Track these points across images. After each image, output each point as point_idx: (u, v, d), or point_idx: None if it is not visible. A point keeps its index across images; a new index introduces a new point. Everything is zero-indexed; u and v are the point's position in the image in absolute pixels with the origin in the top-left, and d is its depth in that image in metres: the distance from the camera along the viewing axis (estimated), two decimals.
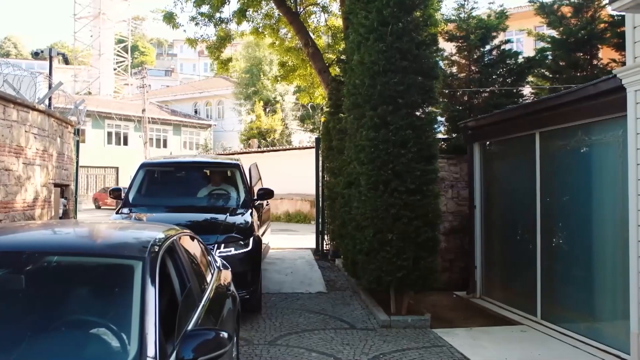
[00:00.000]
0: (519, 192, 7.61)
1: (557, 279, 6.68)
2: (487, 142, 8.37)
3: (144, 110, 29.22)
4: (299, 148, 22.79)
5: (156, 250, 2.88)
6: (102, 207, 31.89)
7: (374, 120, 6.75)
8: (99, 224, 3.60)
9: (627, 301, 5.34)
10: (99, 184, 36.41)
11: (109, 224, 3.75)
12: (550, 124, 6.64)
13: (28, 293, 2.56)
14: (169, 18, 11.63)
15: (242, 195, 7.92)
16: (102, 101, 39.12)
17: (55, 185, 8.55)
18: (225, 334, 2.52)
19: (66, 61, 13.90)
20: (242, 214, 7.34)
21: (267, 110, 35.43)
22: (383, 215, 6.67)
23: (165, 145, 39.89)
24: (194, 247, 3.80)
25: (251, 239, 6.74)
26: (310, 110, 34.36)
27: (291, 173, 18.02)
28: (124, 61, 56.23)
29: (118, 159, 36.08)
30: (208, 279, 3.78)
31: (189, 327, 2.80)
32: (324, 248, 11.25)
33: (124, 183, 36.99)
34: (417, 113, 6.94)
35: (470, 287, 8.61)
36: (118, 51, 53.77)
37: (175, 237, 3.37)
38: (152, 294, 2.53)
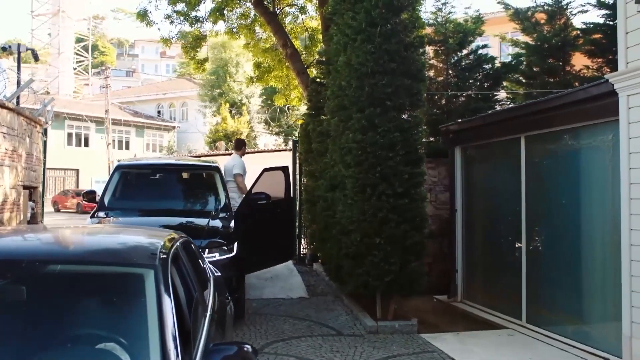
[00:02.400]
0: (503, 196, 7.62)
1: (543, 283, 6.70)
2: (469, 146, 8.37)
3: (107, 111, 28.43)
4: (272, 150, 22.51)
5: (165, 257, 2.69)
6: (61, 210, 30.90)
7: (361, 123, 6.63)
8: (94, 229, 3.35)
9: (617, 304, 5.37)
10: (59, 186, 35.28)
11: (102, 228, 3.49)
12: (537, 127, 6.66)
13: (31, 306, 2.31)
14: (143, 15, 11.27)
15: (222, 199, 7.69)
16: (62, 101, 37.90)
17: (24, 187, 8.12)
18: (249, 347, 2.34)
19: (36, 57, 13.30)
20: (224, 218, 7.12)
21: (233, 112, 35.03)
22: (370, 219, 6.55)
23: (127, 147, 38.98)
24: (192, 252, 3.60)
25: (235, 244, 6.53)
26: (279, 113, 34.14)
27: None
28: (83, 61, 54.74)
29: (78, 160, 35.06)
30: (209, 286, 3.58)
31: (202, 340, 2.61)
32: (301, 252, 11.08)
33: (84, 185, 36.09)
34: (404, 116, 6.87)
35: (451, 291, 8.59)
36: (78, 50, 52.31)
37: (178, 243, 3.17)
38: (168, 305, 2.33)
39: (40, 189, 9.34)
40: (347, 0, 7.18)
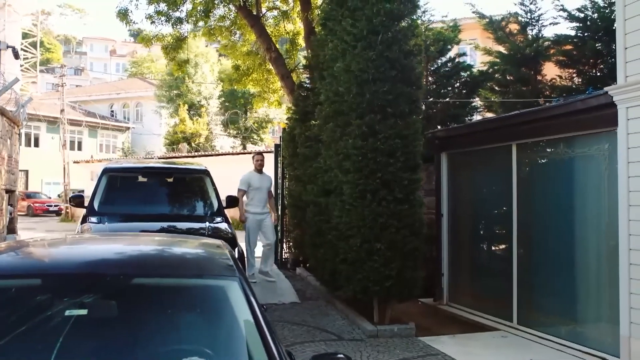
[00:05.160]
0: (492, 202, 7.85)
1: (535, 286, 6.94)
2: (456, 152, 8.57)
3: (62, 111, 27.45)
4: (241, 153, 22.25)
5: (239, 267, 2.66)
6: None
7: (361, 129, 6.69)
8: (148, 240, 3.25)
9: (613, 306, 5.64)
10: None
11: (156, 239, 3.36)
12: (530, 136, 6.90)
13: (122, 320, 2.24)
14: (124, 15, 10.98)
15: (215, 203, 7.62)
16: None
17: (6, 191, 7.76)
18: (343, 356, 2.34)
19: (16, 55, 12.70)
20: (221, 222, 7.05)
21: (191, 113, 34.52)
22: (371, 225, 6.62)
23: (80, 148, 37.77)
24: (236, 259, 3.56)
25: (237, 249, 6.48)
26: (238, 115, 33.90)
27: (232, 178, 17.53)
28: (28, 58, 52.61)
29: (28, 161, 33.57)
30: None
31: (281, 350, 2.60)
32: (284, 257, 11.04)
33: (34, 187, 34.74)
34: (401, 122, 6.97)
35: (437, 294, 8.76)
36: (25, 46, 50.27)
37: (228, 251, 3.14)
38: (263, 316, 2.32)
39: (17, 192, 8.95)
40: (345, 7, 7.24)
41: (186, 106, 33.31)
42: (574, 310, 6.37)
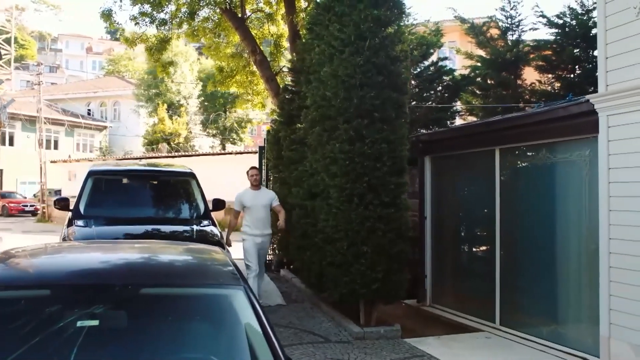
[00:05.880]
0: (476, 205, 7.99)
1: (517, 288, 7.09)
2: (440, 156, 8.70)
3: (39, 110, 26.99)
4: (222, 153, 22.15)
5: (242, 275, 2.72)
6: None
7: (349, 133, 6.78)
8: (153, 247, 3.27)
9: (593, 307, 5.81)
10: None
11: (159, 246, 3.39)
12: (513, 141, 7.06)
13: (131, 330, 2.27)
14: (108, 16, 10.89)
15: (201, 206, 7.62)
16: None
17: None
18: None
19: None
20: (208, 225, 7.08)
21: (171, 113, 34.29)
22: (358, 228, 6.71)
23: (56, 147, 37.20)
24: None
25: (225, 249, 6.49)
26: (217, 115, 33.77)
27: (212, 178, 17.49)
28: (1, 54, 51.59)
29: (2, 160, 33.07)
30: None
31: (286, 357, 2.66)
32: (267, 258, 11.05)
33: (9, 187, 34.10)
34: (388, 127, 7.06)
35: (420, 296, 8.88)
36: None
37: (229, 259, 3.19)
38: (269, 324, 2.38)
39: None
40: (332, 12, 7.31)
41: (165, 105, 33.05)
42: (555, 311, 6.53)
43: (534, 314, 6.88)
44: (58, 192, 27.38)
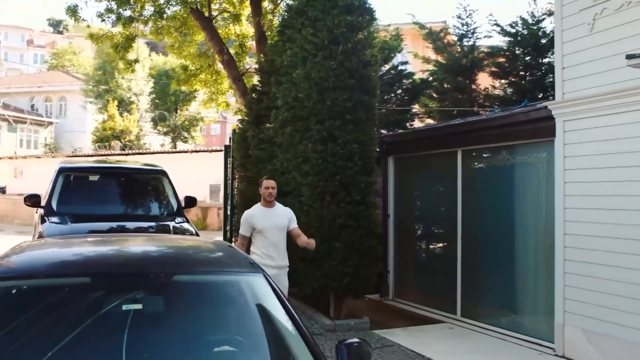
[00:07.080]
0: (438, 204, 8.42)
1: (477, 282, 7.55)
2: (403, 156, 9.09)
3: None
4: (176, 151, 21.96)
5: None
6: None
7: (321, 134, 7.05)
8: (169, 240, 3.44)
9: (549, 298, 6.30)
10: None
11: (170, 239, 3.57)
12: (475, 143, 7.51)
13: (167, 316, 2.46)
14: (73, 11, 10.74)
15: (174, 203, 7.72)
16: None
17: None
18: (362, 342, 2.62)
19: None
20: (183, 222, 7.19)
21: (121, 110, 33.63)
22: (329, 225, 7.00)
23: None
24: None
25: None
26: (171, 113, 33.39)
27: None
28: None
29: None
30: None
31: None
32: None
33: None
34: (359, 129, 7.37)
35: (383, 291, 9.25)
36: None
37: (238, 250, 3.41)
38: (292, 305, 2.61)
39: None
40: (306, 16, 7.56)
41: (116, 102, 32.39)
42: (514, 302, 7.01)
43: (494, 305, 7.35)
44: (2, 189, 26.45)
